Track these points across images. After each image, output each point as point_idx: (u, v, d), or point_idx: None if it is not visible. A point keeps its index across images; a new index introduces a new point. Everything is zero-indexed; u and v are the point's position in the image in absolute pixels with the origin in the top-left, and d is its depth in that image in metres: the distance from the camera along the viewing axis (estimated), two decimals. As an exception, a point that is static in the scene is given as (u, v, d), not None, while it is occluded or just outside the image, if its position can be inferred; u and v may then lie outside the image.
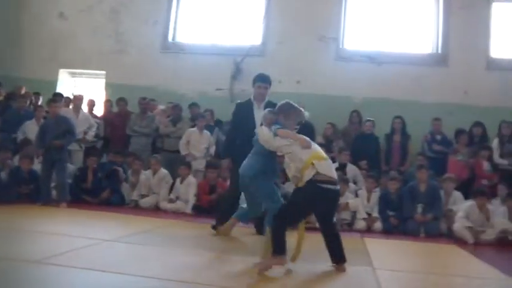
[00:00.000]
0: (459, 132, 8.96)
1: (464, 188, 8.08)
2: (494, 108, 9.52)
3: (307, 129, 5.46)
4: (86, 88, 11.44)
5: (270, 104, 5.70)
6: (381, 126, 9.27)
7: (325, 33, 10.40)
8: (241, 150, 5.58)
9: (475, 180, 8.42)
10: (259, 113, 5.64)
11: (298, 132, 4.65)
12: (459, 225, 6.92)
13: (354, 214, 7.75)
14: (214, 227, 6.05)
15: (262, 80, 6.08)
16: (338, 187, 4.43)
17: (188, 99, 10.15)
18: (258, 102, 6.09)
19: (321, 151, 4.47)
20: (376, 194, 7.87)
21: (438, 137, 9.14)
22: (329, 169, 4.31)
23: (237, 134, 6.15)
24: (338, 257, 4.40)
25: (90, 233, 5.38)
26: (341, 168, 8.30)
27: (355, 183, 8.48)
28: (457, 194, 7.95)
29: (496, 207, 7.52)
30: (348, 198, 7.75)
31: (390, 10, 10.60)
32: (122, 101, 9.92)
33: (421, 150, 9.13)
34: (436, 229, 7.40)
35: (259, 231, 6.00)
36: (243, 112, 6.15)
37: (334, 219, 4.86)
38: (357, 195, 7.94)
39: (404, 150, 9.10)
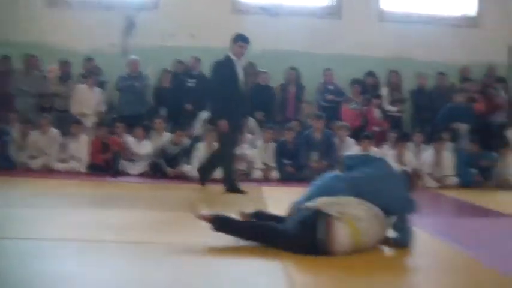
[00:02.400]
0: (353, 82, 9.73)
1: (357, 135, 8.88)
2: (386, 59, 10.37)
3: None
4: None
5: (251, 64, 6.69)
6: (276, 78, 9.80)
7: (220, -14, 10.57)
8: (234, 110, 6.42)
9: (367, 128, 9.26)
10: (241, 71, 6.60)
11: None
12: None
13: (251, 164, 8.32)
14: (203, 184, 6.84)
15: (244, 40, 6.55)
16: None
17: (79, 56, 10.05)
18: (238, 60, 6.62)
19: None
20: (272, 144, 8.44)
21: (331, 87, 9.80)
22: None
23: (224, 93, 6.48)
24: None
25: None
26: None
27: (251, 134, 9.02)
28: (350, 141, 8.76)
29: (386, 151, 8.39)
30: (244, 149, 8.28)
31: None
32: (5, 58, 9.64)
33: (315, 100, 9.80)
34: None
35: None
36: (227, 70, 6.53)
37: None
38: (253, 146, 8.48)
39: (299, 101, 9.69)
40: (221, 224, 3.70)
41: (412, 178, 4.22)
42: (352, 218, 3.54)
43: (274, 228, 3.67)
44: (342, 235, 3.47)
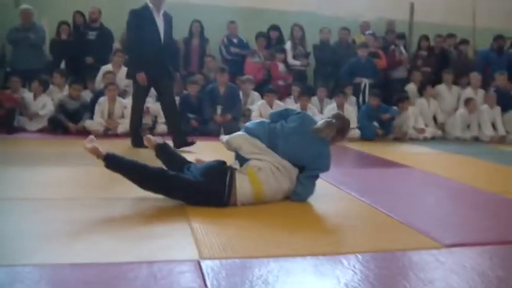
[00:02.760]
0: (258, 36, 9.77)
1: (261, 88, 8.99)
2: (290, 13, 10.45)
3: None
4: None
5: (167, 15, 6.37)
6: (179, 30, 9.63)
7: None
8: (151, 65, 6.21)
9: (271, 81, 9.37)
10: (160, 21, 6.31)
11: None
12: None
13: (155, 118, 8.25)
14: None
15: None
16: None
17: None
18: (158, 10, 6.31)
19: None
20: (176, 98, 8.36)
21: (235, 40, 9.79)
22: None
23: (141, 44, 6.23)
24: None
25: None
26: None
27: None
28: (255, 95, 8.88)
29: (290, 105, 8.55)
30: (148, 103, 8.17)
31: None
32: None
33: (219, 52, 9.77)
34: (235, 129, 8.20)
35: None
36: (144, 20, 6.25)
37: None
38: (157, 100, 8.36)
39: (203, 54, 9.63)
40: (114, 163, 3.63)
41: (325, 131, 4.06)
42: (253, 168, 3.64)
43: (176, 177, 3.59)
44: (243, 188, 3.56)
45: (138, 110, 6.66)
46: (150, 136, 4.28)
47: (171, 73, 6.79)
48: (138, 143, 6.39)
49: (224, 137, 4.14)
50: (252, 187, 3.60)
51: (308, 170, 3.91)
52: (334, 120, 3.97)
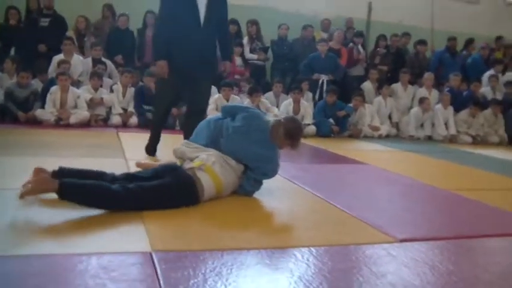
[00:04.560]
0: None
1: (217, 82, 8.92)
2: (249, 7, 10.44)
3: None
4: None
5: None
6: (134, 21, 9.52)
7: None
8: (181, 53, 4.98)
9: (228, 75, 9.32)
10: (202, 2, 5.03)
11: None
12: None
13: (109, 110, 8.12)
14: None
15: None
16: None
17: None
18: None
19: None
20: (131, 89, 8.27)
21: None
22: None
23: (172, 26, 5.00)
24: None
25: None
26: (94, 64, 8.50)
27: (110, 78, 8.76)
28: (213, 88, 8.77)
29: (245, 99, 8.55)
30: (102, 93, 8.05)
31: None
32: None
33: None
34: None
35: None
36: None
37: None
38: (112, 91, 8.25)
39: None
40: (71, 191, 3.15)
41: (272, 133, 3.89)
42: (207, 161, 3.62)
43: (152, 187, 3.30)
44: (207, 182, 3.53)
45: (160, 114, 5.44)
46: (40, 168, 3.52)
47: (213, 69, 5.45)
48: (151, 152, 5.43)
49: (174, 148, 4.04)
50: (212, 181, 3.56)
51: (254, 172, 3.85)
52: (282, 120, 3.90)
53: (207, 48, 5.13)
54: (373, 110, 9.39)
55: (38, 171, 3.42)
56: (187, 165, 3.62)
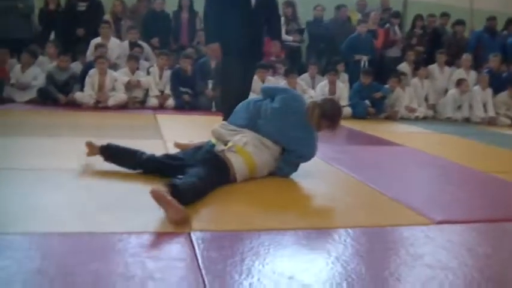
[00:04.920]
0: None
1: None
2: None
3: None
4: None
5: None
6: (170, 3, 9.57)
7: None
8: (235, 32, 4.99)
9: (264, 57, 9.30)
10: None
11: None
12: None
13: (146, 92, 8.21)
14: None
15: None
16: None
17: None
18: None
19: None
20: (167, 72, 8.33)
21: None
22: None
23: (223, 7, 5.00)
24: None
25: None
26: (131, 47, 8.59)
27: (147, 60, 8.85)
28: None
29: (281, 81, 8.53)
30: (139, 76, 8.13)
31: None
32: None
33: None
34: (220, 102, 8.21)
35: None
36: None
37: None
38: (148, 73, 8.33)
39: (193, 27, 9.57)
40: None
41: (308, 115, 3.86)
42: (238, 142, 3.65)
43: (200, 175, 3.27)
44: (238, 163, 3.56)
45: (229, 97, 5.14)
46: (91, 141, 3.81)
47: (260, 51, 5.50)
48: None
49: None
50: (244, 161, 3.59)
51: (291, 155, 3.85)
52: (318, 101, 3.88)
53: (258, 30, 5.18)
54: (410, 91, 9.26)
55: (89, 145, 3.76)
56: (219, 148, 3.66)
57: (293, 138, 3.83)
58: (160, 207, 2.74)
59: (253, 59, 5.30)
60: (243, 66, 5.16)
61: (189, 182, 3.06)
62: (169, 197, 2.74)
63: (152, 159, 3.59)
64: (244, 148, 3.63)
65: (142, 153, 3.62)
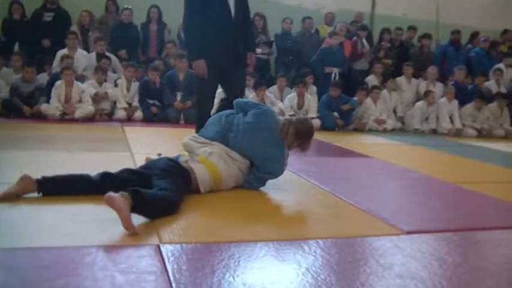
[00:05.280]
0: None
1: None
2: (252, 2, 10.21)
3: None
4: None
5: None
6: (138, 15, 9.53)
7: None
8: (216, 48, 4.92)
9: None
10: None
11: None
12: (214, 111, 7.75)
13: (114, 104, 8.14)
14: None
15: None
16: None
17: None
18: None
19: None
20: (135, 84, 8.28)
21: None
22: None
23: (204, 20, 4.93)
24: None
25: None
26: (99, 59, 8.52)
27: (114, 72, 8.78)
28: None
29: (248, 93, 8.54)
30: (107, 88, 8.06)
31: None
32: None
33: (178, 38, 9.69)
34: (195, 115, 8.18)
35: None
36: None
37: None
38: (116, 85, 8.27)
39: (161, 39, 9.58)
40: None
41: (282, 132, 3.85)
42: (203, 153, 3.65)
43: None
44: (200, 172, 3.55)
45: (202, 115, 5.01)
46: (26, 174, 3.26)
47: (244, 60, 5.26)
48: None
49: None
50: (208, 171, 3.58)
51: (259, 170, 3.83)
52: (293, 120, 3.89)
53: (240, 40, 5.10)
54: (381, 104, 9.36)
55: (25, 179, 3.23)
56: (183, 159, 3.64)
57: (262, 153, 3.81)
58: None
59: (240, 70, 5.25)
60: (226, 80, 5.16)
61: (160, 195, 3.03)
62: (122, 204, 2.69)
63: (107, 176, 3.32)
64: (208, 158, 3.63)
65: (90, 175, 3.35)
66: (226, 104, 4.93)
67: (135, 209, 2.78)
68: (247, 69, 5.78)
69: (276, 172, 3.90)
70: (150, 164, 3.61)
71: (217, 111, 5.26)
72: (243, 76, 5.41)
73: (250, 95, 8.32)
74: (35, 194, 3.22)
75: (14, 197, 3.16)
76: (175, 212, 3.09)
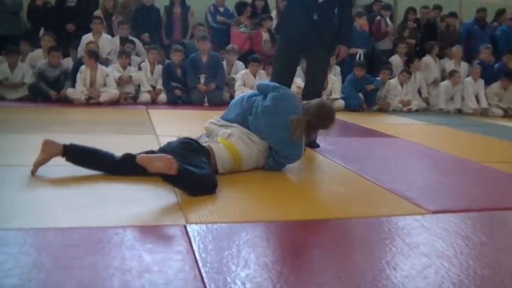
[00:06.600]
0: (242, 5, 9.68)
1: (246, 57, 8.91)
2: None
3: None
4: None
5: None
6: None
7: None
8: (297, 27, 4.76)
9: (256, 50, 9.29)
10: None
11: None
12: (239, 92, 7.74)
13: (138, 87, 8.18)
14: None
15: None
16: None
17: None
18: None
19: None
20: (159, 67, 8.30)
21: (221, 9, 9.74)
22: None
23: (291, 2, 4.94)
24: None
25: None
26: (122, 43, 8.55)
27: (138, 55, 8.81)
28: (239, 64, 8.82)
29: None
30: (131, 71, 8.10)
31: None
32: None
33: (205, 21, 9.68)
34: (219, 98, 8.21)
35: None
36: None
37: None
38: (140, 68, 8.30)
39: (185, 22, 9.57)
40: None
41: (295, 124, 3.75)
42: (222, 135, 3.67)
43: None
44: (219, 152, 3.57)
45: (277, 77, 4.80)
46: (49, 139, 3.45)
47: (327, 45, 4.94)
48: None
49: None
50: (227, 151, 3.58)
51: (277, 154, 3.80)
52: (310, 107, 3.81)
53: (324, 22, 4.79)
54: (408, 86, 9.23)
55: (47, 144, 3.39)
56: (203, 140, 3.67)
57: (279, 138, 3.78)
58: (149, 169, 2.87)
59: (316, 50, 4.85)
60: (296, 57, 5.01)
61: (206, 173, 3.14)
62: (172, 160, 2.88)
63: (129, 157, 3.30)
64: (228, 139, 3.64)
65: (114, 154, 3.42)
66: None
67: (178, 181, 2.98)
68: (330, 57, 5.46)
69: (292, 157, 3.86)
70: (170, 145, 3.53)
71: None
72: (324, 63, 5.07)
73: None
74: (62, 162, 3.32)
75: (42, 164, 3.33)
76: (214, 191, 3.14)
